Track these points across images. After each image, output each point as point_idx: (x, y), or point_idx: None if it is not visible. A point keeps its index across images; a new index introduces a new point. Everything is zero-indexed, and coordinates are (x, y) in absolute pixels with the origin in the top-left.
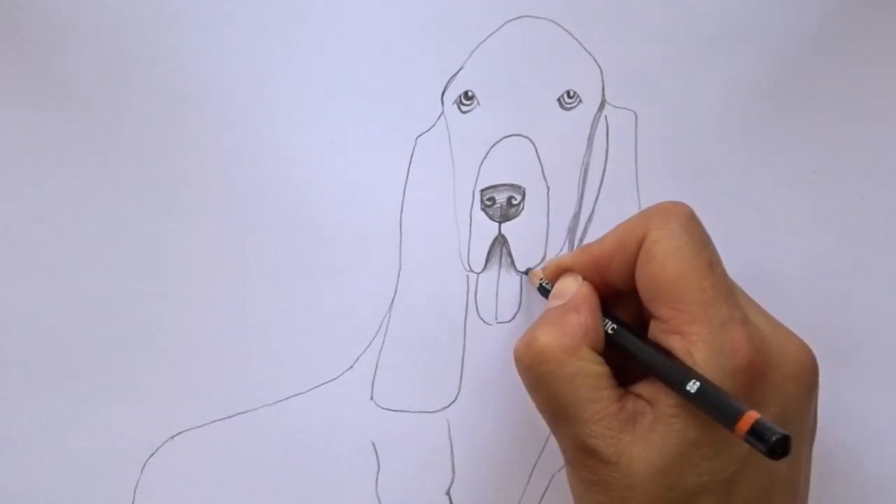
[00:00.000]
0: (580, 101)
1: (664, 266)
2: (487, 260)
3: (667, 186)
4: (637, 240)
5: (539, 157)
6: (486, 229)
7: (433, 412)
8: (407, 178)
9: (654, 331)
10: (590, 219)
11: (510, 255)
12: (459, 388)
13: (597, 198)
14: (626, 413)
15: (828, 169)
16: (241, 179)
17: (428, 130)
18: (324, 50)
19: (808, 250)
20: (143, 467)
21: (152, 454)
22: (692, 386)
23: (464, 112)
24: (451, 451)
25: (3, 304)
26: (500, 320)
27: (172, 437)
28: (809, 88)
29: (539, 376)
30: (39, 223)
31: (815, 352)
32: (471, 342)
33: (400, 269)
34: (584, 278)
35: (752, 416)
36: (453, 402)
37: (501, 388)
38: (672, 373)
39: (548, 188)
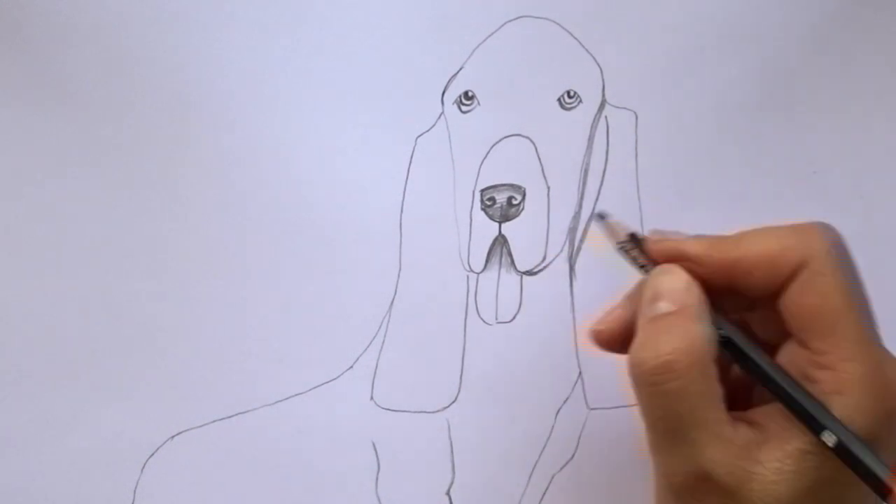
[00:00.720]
0: (580, 101)
1: (828, 300)
2: (487, 260)
3: (667, 186)
4: (794, 263)
5: (539, 157)
6: (486, 229)
7: (433, 412)
8: (407, 178)
9: (798, 359)
10: (590, 219)
11: (510, 255)
12: (459, 388)
13: (597, 198)
14: (741, 439)
15: (828, 169)
16: (241, 179)
17: (428, 130)
18: (324, 50)
19: None
20: (143, 467)
21: (152, 454)
22: (829, 437)
23: (464, 112)
24: (451, 451)
25: (3, 304)
26: (500, 320)
27: (172, 437)
28: (809, 88)
29: (666, 392)
30: (39, 223)
31: None
32: (471, 342)
33: (400, 269)
34: (699, 275)
35: None
36: (453, 402)
37: (501, 388)
38: (820, 420)
39: (548, 188)
